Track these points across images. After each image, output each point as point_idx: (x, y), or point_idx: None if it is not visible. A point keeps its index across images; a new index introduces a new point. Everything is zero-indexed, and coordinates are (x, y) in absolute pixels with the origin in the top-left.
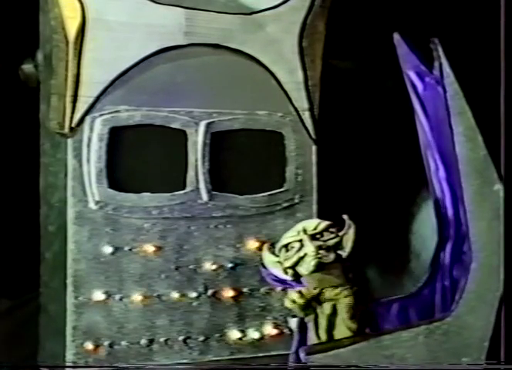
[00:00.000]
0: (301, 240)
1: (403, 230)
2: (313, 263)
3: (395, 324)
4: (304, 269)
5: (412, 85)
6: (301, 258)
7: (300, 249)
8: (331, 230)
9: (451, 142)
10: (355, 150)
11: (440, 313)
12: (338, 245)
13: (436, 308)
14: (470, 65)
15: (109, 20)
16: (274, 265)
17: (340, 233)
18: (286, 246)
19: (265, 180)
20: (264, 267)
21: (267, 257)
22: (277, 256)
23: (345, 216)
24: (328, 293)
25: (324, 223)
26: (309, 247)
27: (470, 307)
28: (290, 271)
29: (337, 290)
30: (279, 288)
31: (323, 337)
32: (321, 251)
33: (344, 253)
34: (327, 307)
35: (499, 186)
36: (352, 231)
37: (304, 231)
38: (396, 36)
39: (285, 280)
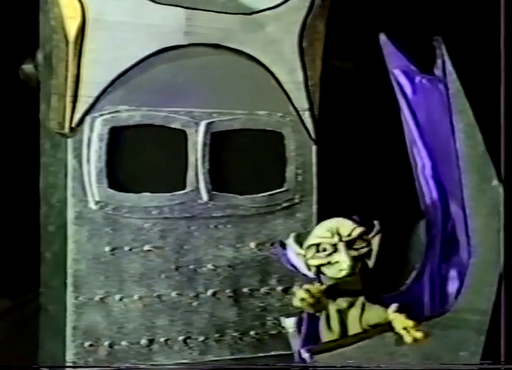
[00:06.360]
0: (335, 245)
1: (403, 229)
2: (344, 273)
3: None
4: (330, 272)
5: (398, 84)
6: (331, 262)
7: (332, 253)
8: (363, 237)
9: (445, 139)
10: (356, 150)
11: (429, 310)
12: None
13: (424, 306)
14: (471, 63)
15: (109, 20)
16: (298, 257)
17: (369, 237)
18: (317, 245)
19: (265, 180)
20: (283, 246)
21: (292, 247)
22: (302, 248)
23: (375, 222)
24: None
25: (358, 230)
26: (344, 259)
27: (469, 302)
28: (314, 269)
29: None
30: (279, 289)
31: (336, 330)
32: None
33: (370, 263)
34: (342, 302)
35: (497, 182)
36: (378, 239)
37: (339, 235)
38: (382, 36)
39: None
